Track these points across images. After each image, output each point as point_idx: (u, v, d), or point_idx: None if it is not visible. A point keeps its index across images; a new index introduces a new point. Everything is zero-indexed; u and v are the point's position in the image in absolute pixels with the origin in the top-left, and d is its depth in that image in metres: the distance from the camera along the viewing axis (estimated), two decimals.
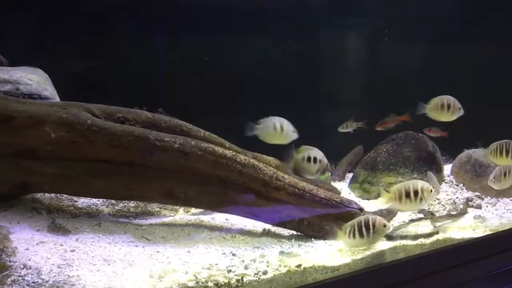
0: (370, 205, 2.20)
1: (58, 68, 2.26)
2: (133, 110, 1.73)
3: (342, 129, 2.51)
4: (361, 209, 1.85)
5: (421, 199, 1.80)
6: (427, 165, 2.33)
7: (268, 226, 1.82)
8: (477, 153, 2.43)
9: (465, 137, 2.91)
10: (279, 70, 2.86)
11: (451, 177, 2.49)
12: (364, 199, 2.29)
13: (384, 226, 1.67)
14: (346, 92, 2.96)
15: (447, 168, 2.57)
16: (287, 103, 2.80)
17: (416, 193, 1.77)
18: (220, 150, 1.68)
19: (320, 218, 1.79)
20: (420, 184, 1.79)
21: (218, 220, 1.88)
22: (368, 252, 1.71)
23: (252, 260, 1.56)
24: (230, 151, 1.71)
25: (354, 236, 1.65)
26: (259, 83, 2.71)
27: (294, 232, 1.82)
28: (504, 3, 3.32)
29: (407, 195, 1.77)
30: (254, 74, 2.75)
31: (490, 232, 2.04)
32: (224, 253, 1.60)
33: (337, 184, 2.47)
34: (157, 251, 1.56)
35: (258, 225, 1.82)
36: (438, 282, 1.84)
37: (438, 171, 2.38)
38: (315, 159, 1.82)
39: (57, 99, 2.10)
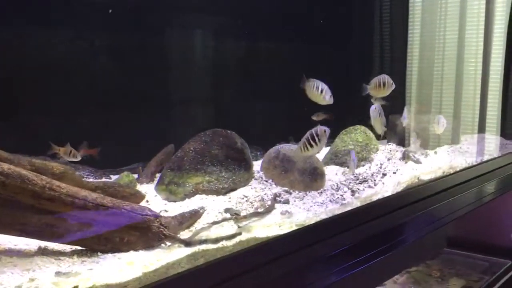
0: (177, 208, 2.06)
1: None
2: None
3: None
4: (156, 216, 1.70)
5: (319, 140, 2.18)
6: (236, 162, 2.27)
7: (45, 243, 1.57)
8: (285, 147, 2.44)
9: (282, 132, 2.96)
10: (84, 66, 2.59)
11: (261, 173, 2.47)
12: (170, 201, 2.14)
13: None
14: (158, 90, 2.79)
15: (259, 164, 2.54)
16: (95, 101, 2.56)
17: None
18: None
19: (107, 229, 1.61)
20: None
21: None
22: (162, 263, 1.58)
23: (17, 286, 1.32)
24: None
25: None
26: (58, 80, 2.42)
27: (78, 248, 1.60)
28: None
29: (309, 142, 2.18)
30: (53, 71, 2.44)
31: (295, 228, 2.04)
32: None
33: (144, 187, 2.30)
34: None
35: (32, 243, 1.56)
36: (244, 284, 1.78)
37: (247, 168, 2.33)
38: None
39: None
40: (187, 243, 1.70)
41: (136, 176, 2.34)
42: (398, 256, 2.49)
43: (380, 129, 2.68)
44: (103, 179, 2.25)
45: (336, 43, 3.77)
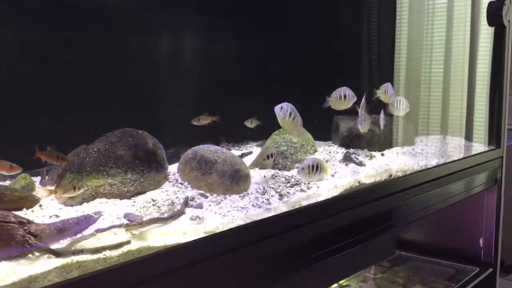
0: (72, 213, 1.89)
1: None
2: None
3: None
4: (21, 223, 1.54)
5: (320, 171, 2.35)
6: (146, 164, 2.10)
7: None
8: (203, 148, 2.27)
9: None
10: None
11: (177, 175, 2.30)
12: (67, 205, 1.97)
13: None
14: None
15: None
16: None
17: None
18: None
19: None
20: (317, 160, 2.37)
21: None
22: (22, 276, 1.41)
23: None
24: None
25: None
26: None
27: None
28: None
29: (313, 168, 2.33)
30: None
31: (204, 235, 1.88)
32: None
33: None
34: None
35: None
36: None
37: (159, 170, 2.16)
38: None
39: None
40: (57, 253, 1.53)
41: (38, 178, 2.17)
42: (329, 267, 2.32)
43: (295, 133, 2.22)
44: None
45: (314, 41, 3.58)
